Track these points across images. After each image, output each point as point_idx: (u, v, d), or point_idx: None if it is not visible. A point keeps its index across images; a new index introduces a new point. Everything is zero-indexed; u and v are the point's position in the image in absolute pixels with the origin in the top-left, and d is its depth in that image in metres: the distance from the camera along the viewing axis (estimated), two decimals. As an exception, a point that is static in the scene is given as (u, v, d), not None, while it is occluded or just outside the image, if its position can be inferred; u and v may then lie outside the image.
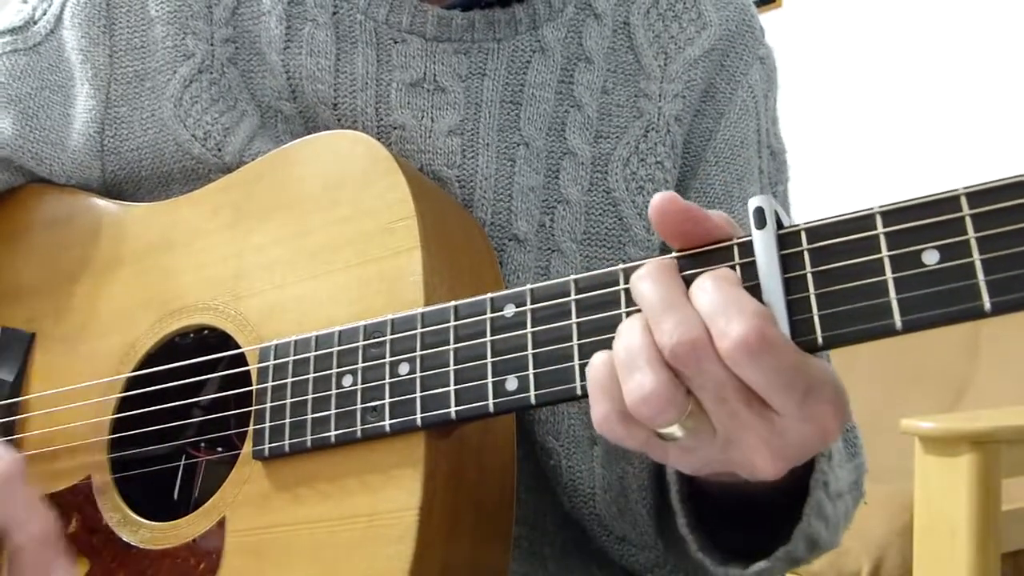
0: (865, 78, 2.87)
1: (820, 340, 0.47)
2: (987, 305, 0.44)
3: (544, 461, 0.72)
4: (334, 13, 0.76)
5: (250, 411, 0.66)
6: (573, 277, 0.55)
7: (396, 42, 0.74)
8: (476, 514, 0.63)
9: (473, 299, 0.59)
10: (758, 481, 0.52)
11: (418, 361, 0.59)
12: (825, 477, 0.62)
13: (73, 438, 0.73)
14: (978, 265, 0.44)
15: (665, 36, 0.79)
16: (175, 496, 0.72)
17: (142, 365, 0.72)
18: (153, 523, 0.69)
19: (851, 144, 2.87)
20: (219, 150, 0.75)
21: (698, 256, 0.51)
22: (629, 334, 0.50)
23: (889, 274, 0.46)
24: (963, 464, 1.48)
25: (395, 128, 0.73)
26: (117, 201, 0.80)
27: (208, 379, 0.71)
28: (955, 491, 1.49)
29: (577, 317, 0.54)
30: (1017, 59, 2.58)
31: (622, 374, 0.49)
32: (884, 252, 0.46)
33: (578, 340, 0.54)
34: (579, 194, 0.75)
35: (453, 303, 0.59)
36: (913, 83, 2.76)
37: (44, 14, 0.82)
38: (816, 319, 0.48)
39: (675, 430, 0.49)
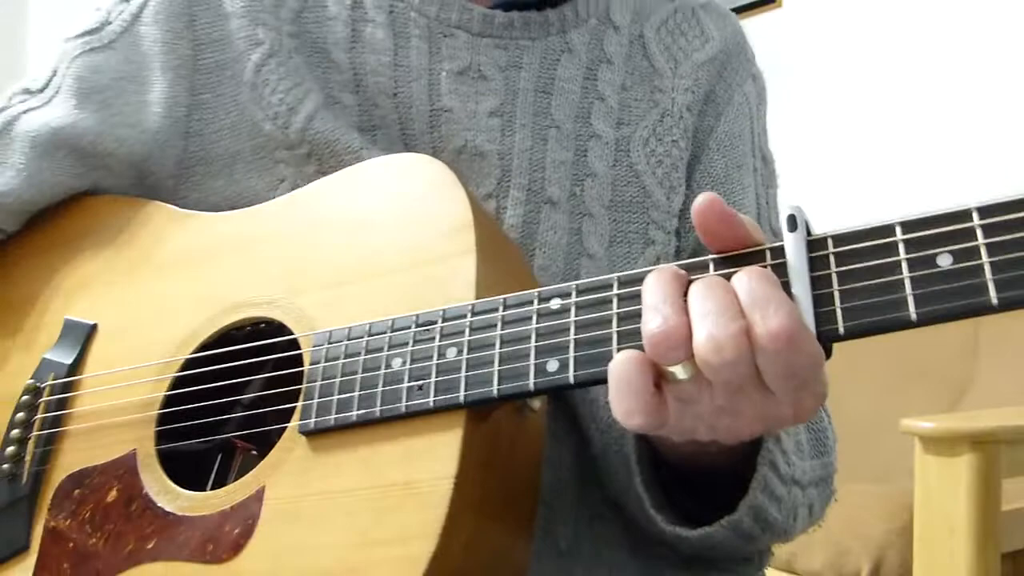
0: (865, 78, 2.84)
1: (842, 330, 0.53)
2: (994, 300, 0.50)
3: (582, 452, 0.78)
4: (390, 12, 0.85)
5: (298, 390, 0.68)
6: (616, 275, 0.60)
7: (445, 36, 0.84)
8: (503, 500, 0.66)
9: (521, 292, 0.63)
10: (714, 462, 0.63)
11: (466, 345, 0.63)
12: (772, 457, 0.68)
13: (123, 413, 0.76)
14: (986, 267, 0.50)
15: (675, 47, 0.89)
16: (213, 476, 0.75)
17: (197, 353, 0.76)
18: (192, 492, 0.71)
19: (851, 144, 2.85)
20: (286, 128, 0.82)
21: (733, 258, 0.57)
22: (660, 283, 0.56)
23: (906, 274, 0.52)
24: (963, 464, 1.49)
25: (444, 111, 0.83)
26: (174, 207, 0.85)
27: (260, 363, 0.74)
28: (955, 491, 1.49)
29: (618, 306, 0.59)
30: (1018, 58, 2.57)
31: (647, 311, 0.54)
32: (902, 256, 0.52)
33: (617, 327, 0.58)
34: (605, 168, 0.84)
35: (503, 296, 0.63)
36: (914, 83, 2.74)
37: (120, 14, 0.90)
38: (839, 311, 0.53)
39: (679, 370, 0.53)
